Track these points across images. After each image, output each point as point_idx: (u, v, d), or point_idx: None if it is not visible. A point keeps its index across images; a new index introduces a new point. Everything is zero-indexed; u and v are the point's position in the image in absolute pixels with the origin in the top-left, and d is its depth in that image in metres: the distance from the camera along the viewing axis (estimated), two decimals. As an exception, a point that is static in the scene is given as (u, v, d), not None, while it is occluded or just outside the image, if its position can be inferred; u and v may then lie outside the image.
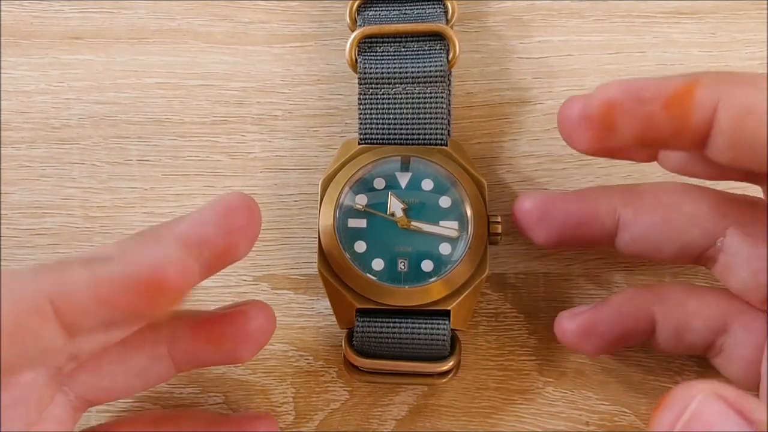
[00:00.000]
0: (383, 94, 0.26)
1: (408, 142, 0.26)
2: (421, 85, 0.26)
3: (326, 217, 0.25)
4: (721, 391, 0.18)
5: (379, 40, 0.27)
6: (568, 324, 0.25)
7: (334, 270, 0.25)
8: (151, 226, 0.20)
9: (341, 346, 0.26)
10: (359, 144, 0.26)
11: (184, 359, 0.23)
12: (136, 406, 0.27)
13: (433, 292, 0.25)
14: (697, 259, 0.24)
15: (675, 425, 0.18)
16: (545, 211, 0.24)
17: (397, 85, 0.26)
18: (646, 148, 0.23)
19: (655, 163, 0.24)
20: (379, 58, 0.26)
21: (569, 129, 0.22)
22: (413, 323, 0.25)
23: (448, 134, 0.27)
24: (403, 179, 0.26)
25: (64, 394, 0.22)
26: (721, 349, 0.24)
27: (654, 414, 0.19)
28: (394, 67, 0.26)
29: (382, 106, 0.26)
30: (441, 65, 0.26)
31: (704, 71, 0.20)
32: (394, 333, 0.25)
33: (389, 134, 0.26)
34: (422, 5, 0.27)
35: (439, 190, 0.26)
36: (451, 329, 0.25)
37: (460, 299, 0.25)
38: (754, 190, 0.23)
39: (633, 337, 0.24)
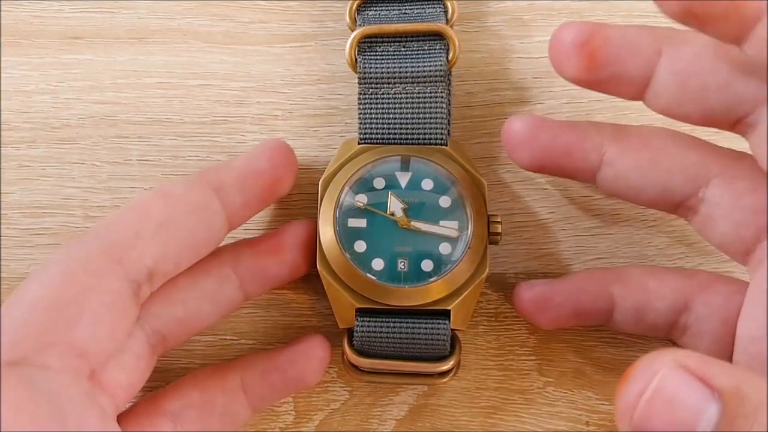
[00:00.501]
0: (383, 93, 0.26)
1: (408, 141, 0.26)
2: (421, 84, 0.26)
3: (326, 217, 0.25)
4: (683, 360, 0.18)
5: (379, 39, 0.27)
6: (525, 293, 0.25)
7: (334, 270, 0.25)
8: (204, 168, 0.25)
9: (341, 346, 0.26)
10: (359, 144, 0.26)
11: (251, 278, 0.25)
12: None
13: (433, 291, 0.25)
14: (677, 208, 0.24)
15: (638, 403, 0.18)
16: (533, 134, 0.24)
17: (397, 85, 0.26)
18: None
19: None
20: (379, 57, 0.26)
21: (561, 56, 0.23)
22: (413, 323, 0.25)
23: (448, 134, 0.27)
24: (403, 179, 0.26)
25: (141, 328, 0.23)
26: (685, 327, 0.24)
27: (618, 389, 0.18)
28: (394, 67, 0.26)
29: (382, 106, 0.26)
30: (441, 65, 0.26)
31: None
32: (394, 333, 0.25)
33: (389, 134, 0.26)
34: (422, 5, 0.27)
35: (439, 189, 0.26)
36: (451, 329, 0.25)
37: (460, 299, 0.25)
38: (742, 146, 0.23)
39: (589, 314, 0.25)
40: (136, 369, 0.23)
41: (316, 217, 0.26)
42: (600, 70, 0.22)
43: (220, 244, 0.24)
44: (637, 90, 0.23)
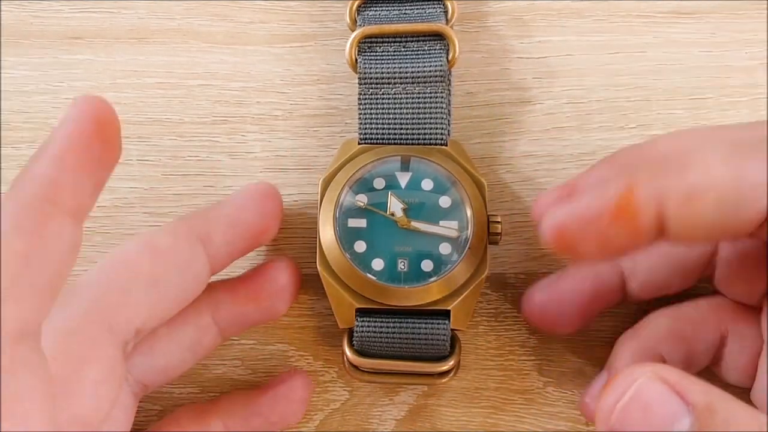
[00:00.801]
0: (383, 94, 0.26)
1: (408, 141, 0.26)
2: (421, 85, 0.26)
3: (326, 217, 0.25)
4: (663, 373, 0.19)
5: (379, 40, 0.27)
6: (540, 296, 0.25)
7: (334, 270, 0.25)
8: (191, 214, 0.24)
9: (341, 346, 0.26)
10: (359, 144, 0.26)
11: (228, 323, 0.25)
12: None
13: (433, 291, 0.25)
14: (708, 271, 0.24)
15: (615, 407, 0.19)
16: (557, 304, 0.25)
17: (397, 85, 0.26)
18: (612, 256, 0.23)
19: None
20: (379, 58, 0.26)
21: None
22: (413, 323, 0.25)
23: (448, 134, 0.27)
24: (403, 179, 0.26)
25: (125, 380, 0.23)
26: (720, 358, 0.24)
27: (599, 396, 0.19)
28: (394, 67, 0.26)
29: (382, 106, 0.26)
30: (441, 65, 0.26)
31: (637, 161, 0.20)
32: (394, 333, 0.25)
33: (389, 134, 0.26)
34: (422, 5, 0.27)
35: (439, 190, 0.26)
36: (451, 329, 0.25)
37: (460, 299, 0.25)
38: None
39: (605, 296, 0.25)
40: (124, 419, 0.23)
41: (317, 218, 0.26)
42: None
43: None
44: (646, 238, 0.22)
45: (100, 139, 0.19)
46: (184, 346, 0.24)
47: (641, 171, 0.20)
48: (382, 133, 0.26)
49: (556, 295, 0.25)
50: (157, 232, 0.23)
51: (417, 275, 0.25)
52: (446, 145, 0.26)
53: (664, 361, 0.24)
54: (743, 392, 0.23)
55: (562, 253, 0.21)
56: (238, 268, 0.26)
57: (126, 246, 0.23)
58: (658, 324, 0.24)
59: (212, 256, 0.23)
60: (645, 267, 0.24)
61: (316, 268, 0.25)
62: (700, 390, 0.18)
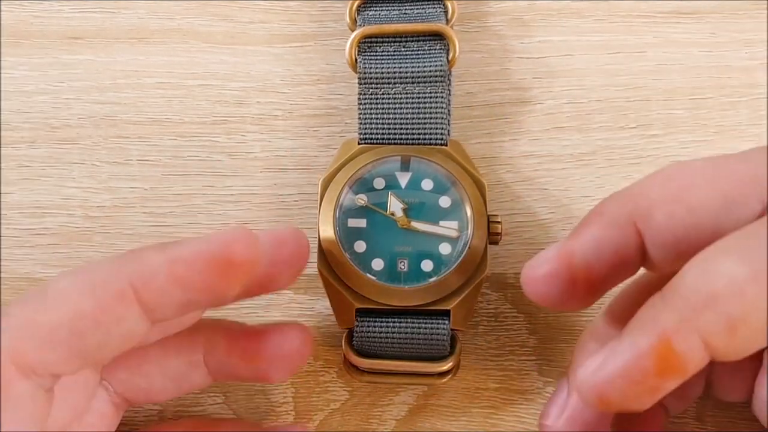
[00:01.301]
0: (383, 94, 0.26)
1: (408, 142, 0.26)
2: (421, 85, 0.26)
3: (326, 217, 0.25)
4: None
5: (379, 40, 0.27)
6: (542, 268, 0.21)
7: (334, 270, 0.25)
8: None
9: (341, 346, 0.26)
10: (359, 144, 0.26)
11: (218, 369, 0.24)
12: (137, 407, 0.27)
13: (432, 291, 0.25)
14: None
15: None
16: (565, 270, 0.21)
17: (397, 85, 0.26)
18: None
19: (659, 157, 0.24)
20: (379, 58, 0.26)
21: (545, 297, 0.21)
22: (413, 323, 0.25)
23: (448, 134, 0.27)
24: (403, 179, 0.26)
25: (104, 389, 0.23)
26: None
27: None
28: (394, 67, 0.26)
29: (382, 106, 0.26)
30: (441, 65, 0.26)
31: (657, 308, 0.18)
32: (394, 333, 0.25)
33: (389, 134, 0.26)
34: (422, 5, 0.27)
35: (439, 189, 0.26)
36: (451, 329, 0.25)
37: (459, 299, 0.25)
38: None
39: (622, 262, 0.21)
40: (101, 426, 0.23)
41: (317, 217, 0.26)
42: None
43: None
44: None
45: (222, 274, 0.19)
46: (169, 375, 0.23)
47: (668, 316, 0.18)
48: (382, 133, 0.26)
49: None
50: (78, 276, 0.19)
51: (417, 275, 0.25)
52: (446, 145, 0.26)
53: (640, 234, 0.21)
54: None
55: (612, 410, 0.19)
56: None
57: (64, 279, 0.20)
58: None
59: (148, 306, 0.19)
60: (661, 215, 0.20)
61: (316, 268, 0.25)
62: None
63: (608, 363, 0.18)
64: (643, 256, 0.21)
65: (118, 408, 0.24)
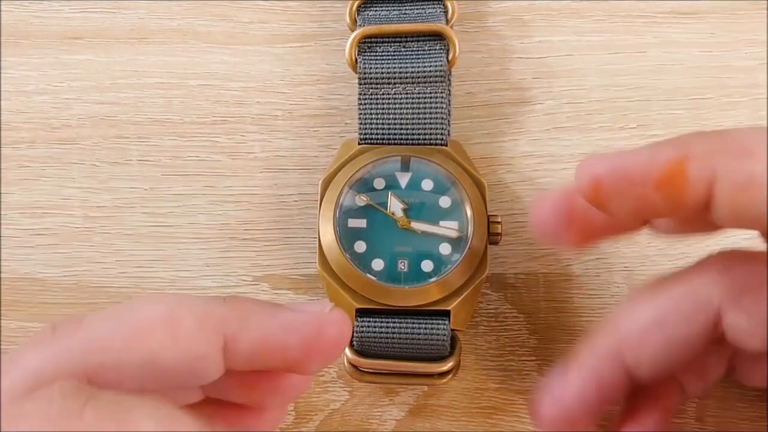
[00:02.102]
0: (383, 94, 0.26)
1: (408, 142, 0.26)
2: (421, 85, 0.26)
3: (326, 217, 0.25)
4: None
5: (379, 40, 0.27)
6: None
7: (334, 270, 0.25)
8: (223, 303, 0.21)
9: (341, 346, 0.26)
10: (359, 144, 0.26)
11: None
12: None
13: (433, 292, 0.25)
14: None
15: None
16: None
17: (397, 85, 0.26)
18: (640, 221, 0.21)
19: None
20: (379, 58, 0.26)
21: (545, 229, 0.21)
22: (413, 323, 0.25)
23: (448, 134, 0.27)
24: (403, 179, 0.26)
25: None
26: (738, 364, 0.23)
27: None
28: (394, 67, 0.26)
29: (382, 106, 0.26)
30: (441, 65, 0.26)
31: (692, 137, 0.19)
32: (394, 333, 0.25)
33: (389, 134, 0.26)
34: (422, 5, 0.27)
35: (439, 190, 0.26)
36: (451, 329, 0.25)
37: (460, 299, 0.25)
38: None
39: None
40: None
41: (317, 218, 0.26)
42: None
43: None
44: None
45: (305, 356, 0.20)
46: None
47: (700, 145, 0.18)
48: (382, 134, 0.26)
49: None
50: (183, 304, 0.20)
51: (417, 275, 0.25)
52: (446, 145, 0.26)
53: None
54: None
55: (591, 203, 0.19)
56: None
57: (147, 305, 0.20)
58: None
59: (230, 356, 0.20)
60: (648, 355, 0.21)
61: (316, 268, 0.25)
62: None
63: (622, 156, 0.19)
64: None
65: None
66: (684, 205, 0.18)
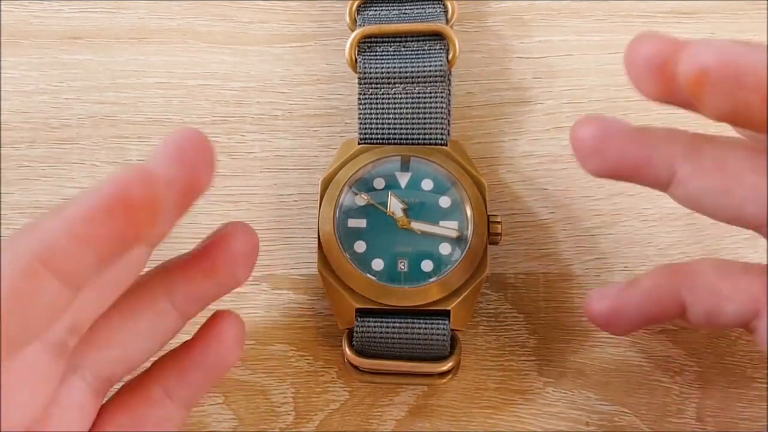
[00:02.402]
0: (383, 93, 0.26)
1: (408, 141, 0.26)
2: (421, 84, 0.26)
3: (326, 217, 0.25)
4: None
5: (378, 39, 0.27)
6: (596, 306, 0.24)
7: (334, 270, 0.25)
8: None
9: (341, 346, 0.26)
10: (359, 144, 0.26)
11: (188, 304, 0.23)
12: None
13: (432, 292, 0.25)
14: (754, 228, 0.22)
15: None
16: (600, 145, 0.22)
17: (397, 85, 0.26)
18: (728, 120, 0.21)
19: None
20: (379, 57, 0.26)
21: (637, 74, 0.21)
22: (413, 323, 0.25)
23: (448, 134, 0.27)
24: (403, 179, 0.26)
25: (81, 378, 0.23)
26: (754, 329, 0.23)
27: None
28: (394, 67, 0.26)
29: (382, 106, 0.26)
30: (441, 65, 0.26)
31: None
32: (394, 333, 0.25)
33: (389, 134, 0.26)
34: (422, 5, 0.27)
35: (439, 190, 0.26)
36: (451, 329, 0.25)
37: (459, 299, 0.25)
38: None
39: (660, 320, 0.24)
40: (77, 418, 0.22)
41: (317, 218, 0.26)
42: (677, 94, 0.21)
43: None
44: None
45: (126, 219, 0.18)
46: (143, 335, 0.23)
47: None
48: (382, 133, 0.26)
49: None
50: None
51: (417, 275, 0.25)
52: (446, 145, 0.26)
53: (683, 305, 0.23)
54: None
55: (687, 93, 0.19)
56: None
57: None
58: (701, 268, 0.23)
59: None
60: (701, 183, 0.22)
61: (316, 268, 0.25)
62: None
63: (736, 51, 0.18)
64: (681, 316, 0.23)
65: (98, 393, 0.23)
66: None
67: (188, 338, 0.24)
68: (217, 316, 0.24)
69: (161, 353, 0.25)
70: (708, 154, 0.22)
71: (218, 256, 0.23)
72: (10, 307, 0.18)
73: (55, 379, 0.21)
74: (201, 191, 0.21)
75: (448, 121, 0.27)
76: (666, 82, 0.20)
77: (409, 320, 0.25)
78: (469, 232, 0.25)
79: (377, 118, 0.26)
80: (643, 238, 0.27)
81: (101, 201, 0.18)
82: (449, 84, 0.27)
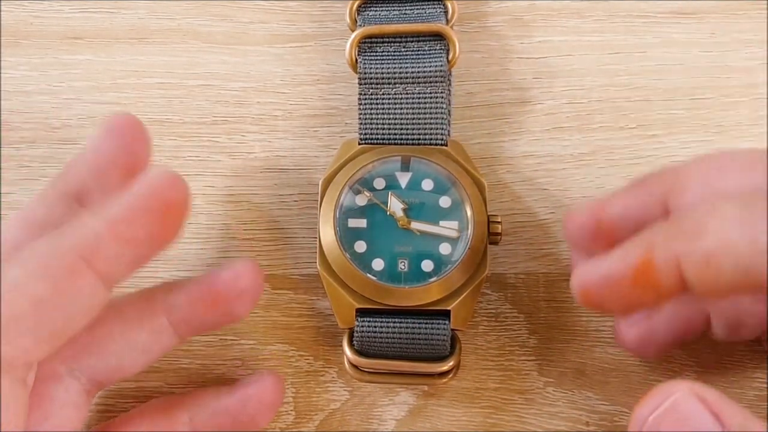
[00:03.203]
0: (383, 94, 0.26)
1: (408, 142, 0.26)
2: (421, 85, 0.26)
3: (326, 217, 0.25)
4: (701, 392, 0.19)
5: (379, 40, 0.27)
6: (628, 332, 0.25)
7: (334, 270, 0.25)
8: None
9: (341, 346, 0.26)
10: (359, 144, 0.26)
11: (185, 326, 0.24)
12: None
13: (433, 292, 0.25)
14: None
15: (648, 418, 0.19)
16: (595, 227, 0.24)
17: (397, 85, 0.26)
18: (635, 312, 0.24)
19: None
20: (379, 58, 0.26)
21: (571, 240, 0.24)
22: (413, 323, 0.25)
23: (448, 134, 0.27)
24: (403, 179, 0.26)
25: (75, 379, 0.23)
26: None
27: (635, 408, 0.20)
28: (394, 67, 0.26)
29: (382, 106, 0.26)
30: (441, 65, 0.26)
31: (656, 230, 0.20)
32: (394, 333, 0.25)
33: (389, 134, 0.26)
34: (422, 5, 0.27)
35: (439, 190, 0.26)
36: (451, 329, 0.25)
37: (460, 299, 0.25)
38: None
39: (690, 336, 0.25)
40: (75, 417, 0.23)
41: (317, 218, 0.26)
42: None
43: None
44: None
45: (162, 221, 0.19)
46: (138, 348, 0.24)
47: (661, 236, 0.20)
48: (382, 134, 0.26)
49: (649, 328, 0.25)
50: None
51: (417, 275, 0.25)
52: (446, 145, 0.26)
53: (709, 319, 0.24)
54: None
55: (586, 306, 0.22)
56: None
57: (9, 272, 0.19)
58: None
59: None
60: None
61: (316, 268, 0.25)
62: (737, 413, 0.19)
63: (597, 265, 0.21)
64: None
65: (90, 394, 0.24)
66: (663, 291, 0.20)
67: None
68: (262, 378, 0.25)
69: (199, 388, 0.26)
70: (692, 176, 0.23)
71: (220, 288, 0.24)
72: (55, 304, 0.19)
73: (22, 404, 0.21)
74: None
75: (448, 121, 0.27)
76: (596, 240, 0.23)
77: (409, 320, 0.25)
78: (469, 232, 0.25)
79: (377, 119, 0.26)
80: (643, 238, 0.27)
81: (141, 203, 0.19)
82: (449, 84, 0.27)
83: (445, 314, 0.25)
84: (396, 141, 0.26)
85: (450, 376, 0.26)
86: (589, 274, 0.21)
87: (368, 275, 0.25)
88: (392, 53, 0.27)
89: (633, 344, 0.25)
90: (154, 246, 0.20)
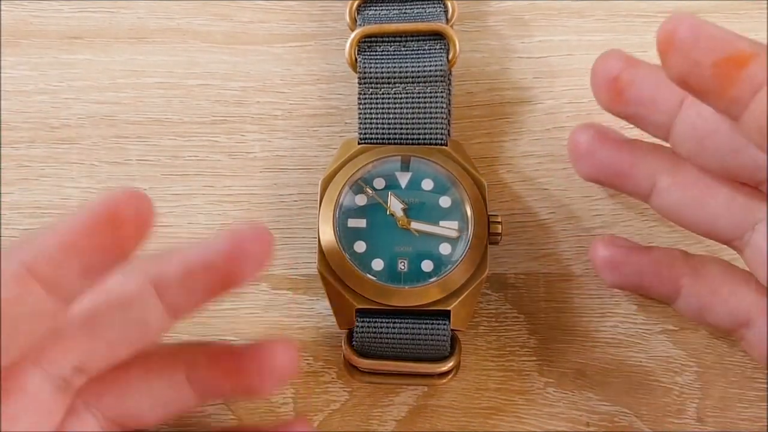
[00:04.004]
0: (383, 93, 0.26)
1: (408, 141, 0.26)
2: (421, 84, 0.26)
3: (326, 217, 0.25)
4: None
5: (379, 39, 0.27)
6: (601, 251, 0.25)
7: (334, 270, 0.25)
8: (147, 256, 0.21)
9: (341, 346, 0.26)
10: (359, 144, 0.26)
11: (203, 388, 0.23)
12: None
13: (433, 292, 0.25)
14: (726, 242, 0.24)
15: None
16: (593, 149, 0.25)
17: (397, 85, 0.26)
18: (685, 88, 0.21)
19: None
20: (379, 57, 0.26)
21: (595, 86, 0.23)
22: (413, 323, 0.25)
23: (448, 134, 0.27)
24: (403, 179, 0.26)
25: (92, 415, 0.23)
26: (742, 337, 0.24)
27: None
28: (394, 67, 0.26)
29: (382, 106, 0.26)
30: (441, 65, 0.26)
31: None
32: (394, 333, 0.25)
33: (389, 134, 0.26)
34: (422, 5, 0.27)
35: (439, 190, 0.26)
36: (451, 330, 0.25)
37: (460, 299, 0.25)
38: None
39: (653, 293, 0.25)
40: None
41: (317, 218, 0.26)
42: (626, 106, 0.23)
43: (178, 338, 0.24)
44: (660, 133, 0.23)
45: (112, 232, 0.19)
46: (155, 397, 0.23)
47: None
48: (382, 133, 0.26)
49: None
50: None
51: (417, 275, 0.25)
52: (446, 145, 0.26)
53: (680, 290, 0.25)
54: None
55: (660, 48, 0.20)
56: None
57: None
58: (710, 266, 0.25)
59: (168, 302, 0.21)
60: (678, 195, 0.24)
61: (316, 268, 0.25)
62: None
63: (708, 23, 0.20)
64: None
65: (111, 427, 0.23)
66: (726, 96, 0.19)
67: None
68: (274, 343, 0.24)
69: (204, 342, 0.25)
70: (687, 169, 0.24)
71: (247, 365, 0.23)
72: (3, 314, 0.18)
73: (57, 413, 0.22)
74: (239, 284, 0.22)
75: (448, 121, 0.27)
76: (616, 93, 0.22)
77: (409, 320, 0.25)
78: (469, 232, 0.25)
79: (377, 118, 0.26)
80: (644, 238, 0.27)
81: (89, 214, 0.19)
82: (449, 84, 0.27)
83: (445, 314, 0.25)
84: (396, 141, 0.26)
85: (450, 376, 0.26)
86: (691, 21, 0.20)
87: (368, 275, 0.25)
88: (392, 53, 0.26)
89: (601, 262, 0.25)
90: (108, 257, 0.19)
